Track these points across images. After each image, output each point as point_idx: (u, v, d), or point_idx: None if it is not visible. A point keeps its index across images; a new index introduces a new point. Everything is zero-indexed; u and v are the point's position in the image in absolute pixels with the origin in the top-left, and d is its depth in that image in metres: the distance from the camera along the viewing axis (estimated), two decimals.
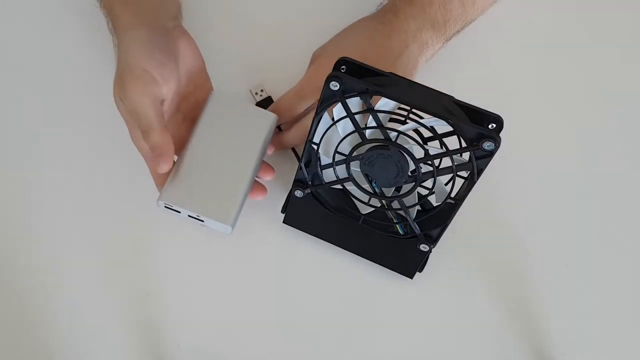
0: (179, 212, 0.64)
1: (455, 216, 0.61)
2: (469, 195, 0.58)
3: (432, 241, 0.64)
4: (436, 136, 0.61)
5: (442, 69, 0.75)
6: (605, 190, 0.74)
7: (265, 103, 0.72)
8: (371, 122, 0.57)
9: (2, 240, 0.69)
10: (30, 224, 0.69)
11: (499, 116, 0.55)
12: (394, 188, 0.62)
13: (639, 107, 0.78)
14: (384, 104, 0.57)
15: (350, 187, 0.62)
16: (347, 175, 0.61)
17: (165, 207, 0.64)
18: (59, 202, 0.70)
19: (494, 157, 0.55)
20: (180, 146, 0.65)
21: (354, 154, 0.59)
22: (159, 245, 0.69)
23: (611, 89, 0.78)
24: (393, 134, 0.57)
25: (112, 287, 0.68)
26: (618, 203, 0.73)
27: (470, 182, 0.58)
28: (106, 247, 0.69)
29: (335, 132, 0.60)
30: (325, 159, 0.62)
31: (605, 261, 0.71)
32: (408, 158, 0.57)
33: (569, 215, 0.73)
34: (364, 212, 0.65)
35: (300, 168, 0.63)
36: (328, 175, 0.63)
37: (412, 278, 0.68)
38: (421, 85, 0.56)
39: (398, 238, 0.65)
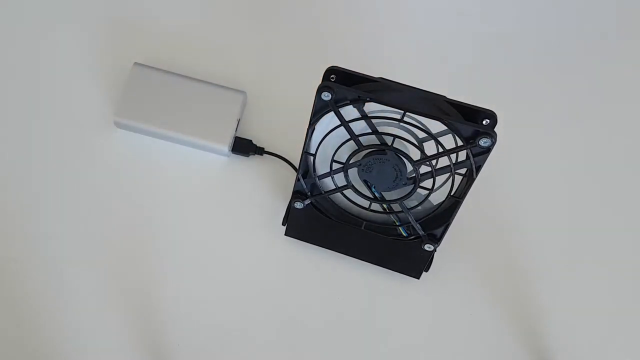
0: None
1: (457, 214, 0.61)
2: (470, 193, 0.59)
3: (436, 240, 0.64)
4: (432, 136, 0.61)
5: (430, 68, 0.75)
6: (608, 187, 0.73)
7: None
8: (366, 128, 0.57)
9: (1, 240, 0.69)
10: (29, 222, 0.70)
11: (492, 111, 0.55)
12: (394, 191, 0.62)
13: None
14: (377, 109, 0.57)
15: (350, 194, 0.62)
16: (345, 183, 0.61)
17: None
18: (59, 202, 0.70)
19: (493, 154, 0.55)
20: None
21: (351, 161, 0.59)
22: (160, 246, 0.70)
23: (611, 82, 0.77)
24: (388, 138, 0.57)
25: (112, 287, 0.68)
26: (621, 201, 0.73)
27: (469, 180, 0.58)
28: (106, 247, 0.69)
29: (331, 141, 0.60)
30: (323, 168, 0.62)
31: (606, 260, 0.71)
32: (405, 161, 0.57)
33: (571, 213, 0.72)
34: (365, 218, 0.65)
35: (298, 179, 0.63)
36: (328, 183, 0.63)
37: (419, 278, 0.68)
38: (412, 87, 0.56)
39: (402, 240, 0.65)
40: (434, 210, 0.62)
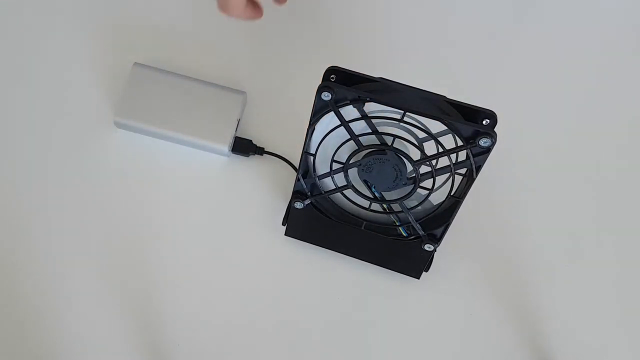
0: None
1: (457, 214, 0.61)
2: (470, 193, 0.59)
3: (436, 240, 0.64)
4: (432, 136, 0.61)
5: (430, 68, 0.75)
6: (608, 187, 0.73)
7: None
8: (366, 128, 0.57)
9: (1, 240, 0.69)
10: (30, 223, 0.70)
11: (492, 111, 0.55)
12: (394, 191, 0.62)
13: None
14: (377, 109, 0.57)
15: (350, 194, 0.62)
16: (345, 183, 0.61)
17: None
18: (59, 202, 0.70)
19: (493, 154, 0.55)
20: None
21: (351, 161, 0.59)
22: (160, 246, 0.70)
23: (611, 81, 0.76)
24: (388, 138, 0.57)
25: (112, 287, 0.68)
26: (622, 201, 0.73)
27: (469, 180, 0.58)
28: (106, 247, 0.69)
29: (331, 141, 0.60)
30: (323, 168, 0.62)
31: (607, 260, 0.71)
32: (405, 161, 0.57)
33: (571, 213, 0.72)
34: (365, 218, 0.65)
35: (298, 179, 0.63)
36: (328, 183, 0.63)
37: (419, 278, 0.68)
38: (412, 87, 0.56)
39: (402, 240, 0.65)
40: (434, 210, 0.62)
